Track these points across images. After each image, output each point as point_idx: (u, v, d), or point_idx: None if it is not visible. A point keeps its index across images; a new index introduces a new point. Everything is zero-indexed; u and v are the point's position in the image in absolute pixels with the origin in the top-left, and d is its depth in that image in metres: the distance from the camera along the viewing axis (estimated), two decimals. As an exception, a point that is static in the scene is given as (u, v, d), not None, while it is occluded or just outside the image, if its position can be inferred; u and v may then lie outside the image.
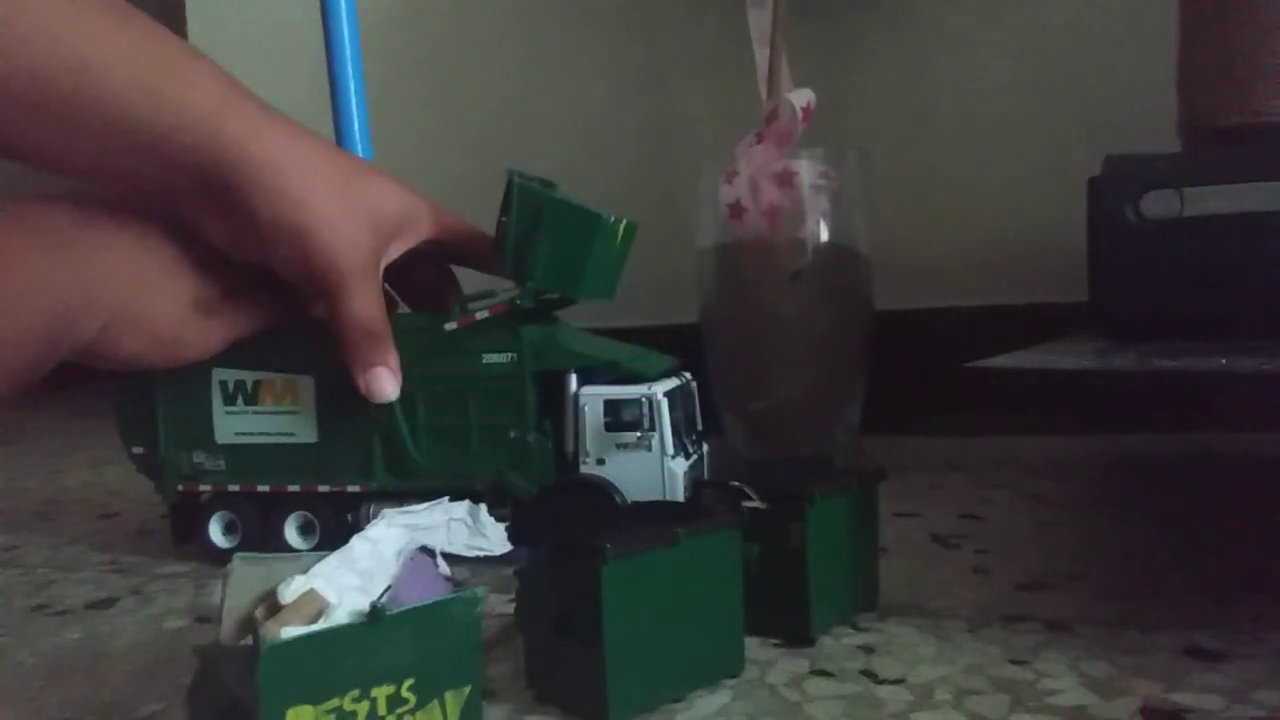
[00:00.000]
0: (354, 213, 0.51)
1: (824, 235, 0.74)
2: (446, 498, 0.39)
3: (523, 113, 1.08)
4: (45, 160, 0.48)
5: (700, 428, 0.57)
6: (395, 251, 0.54)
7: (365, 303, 0.52)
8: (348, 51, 0.77)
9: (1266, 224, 0.54)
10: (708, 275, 0.77)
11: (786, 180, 0.72)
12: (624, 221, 0.54)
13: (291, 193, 0.49)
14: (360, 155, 0.79)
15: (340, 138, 0.79)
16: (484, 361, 0.55)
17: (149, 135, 0.47)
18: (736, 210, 0.73)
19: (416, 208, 0.55)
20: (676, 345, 0.60)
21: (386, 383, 0.54)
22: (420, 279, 0.60)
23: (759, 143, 0.73)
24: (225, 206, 0.50)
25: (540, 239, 0.53)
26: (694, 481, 0.54)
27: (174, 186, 0.49)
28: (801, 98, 0.71)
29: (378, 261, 0.53)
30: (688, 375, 0.57)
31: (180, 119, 0.47)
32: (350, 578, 0.36)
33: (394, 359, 0.54)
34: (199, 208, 0.51)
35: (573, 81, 1.06)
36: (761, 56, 0.77)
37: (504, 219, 0.54)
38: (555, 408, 0.55)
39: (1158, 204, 0.56)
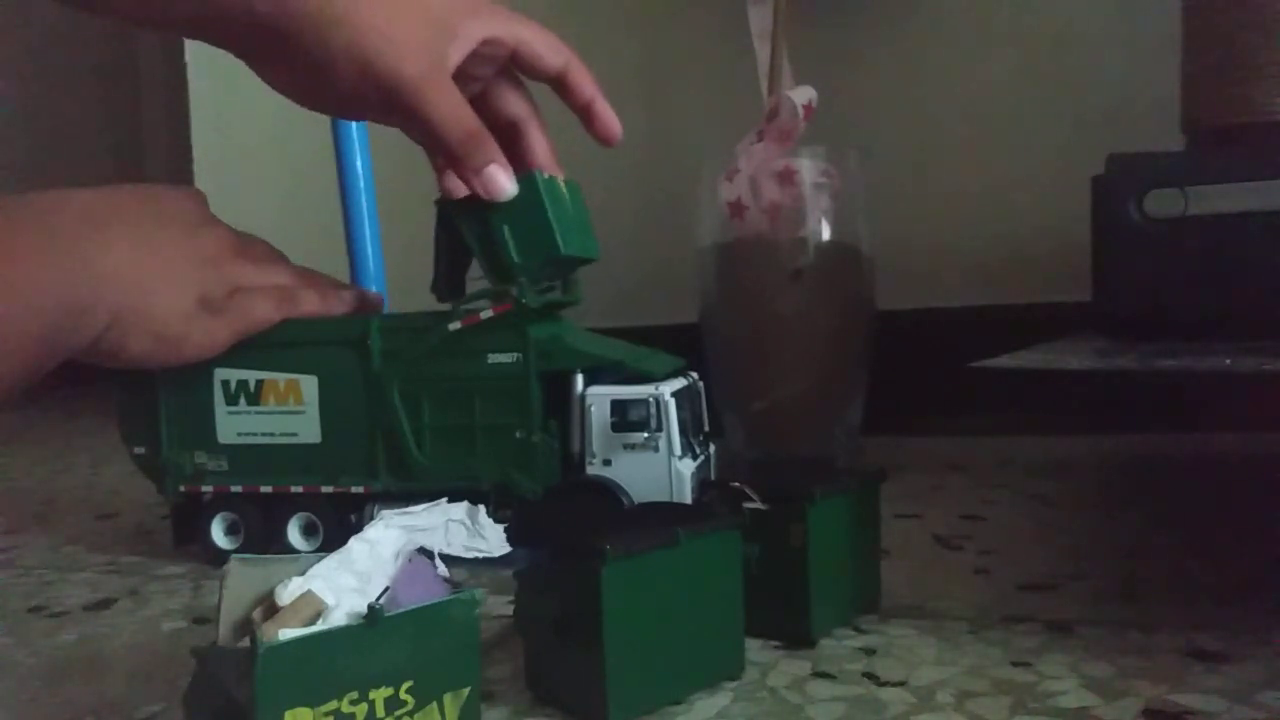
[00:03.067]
0: (402, 18, 0.49)
1: (825, 234, 0.73)
2: (445, 499, 0.39)
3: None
4: (113, 8, 0.48)
5: (707, 428, 0.57)
6: (457, 53, 0.51)
7: (448, 103, 0.50)
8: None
9: (1270, 223, 0.53)
10: (708, 274, 0.77)
11: (788, 179, 0.72)
12: (558, 178, 0.55)
13: (334, 15, 0.48)
14: (359, 156, 0.79)
15: (339, 138, 0.79)
16: (489, 361, 0.55)
17: None
18: (737, 209, 0.73)
19: (469, 4, 0.52)
20: (676, 345, 0.60)
21: (501, 181, 0.51)
22: (500, 107, 0.57)
23: (760, 141, 0.72)
24: (278, 49, 0.49)
25: (497, 226, 0.53)
26: (701, 483, 0.54)
27: (226, 33, 0.49)
28: (803, 95, 0.71)
29: (443, 62, 0.50)
30: (695, 375, 0.57)
31: None
32: (348, 579, 0.35)
33: (500, 154, 0.52)
34: (257, 55, 0.50)
35: (573, 80, 1.06)
36: (762, 54, 0.77)
37: (443, 237, 0.55)
38: (561, 408, 0.55)
39: (1161, 203, 0.55)
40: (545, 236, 0.53)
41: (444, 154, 0.51)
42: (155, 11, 0.49)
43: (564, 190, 0.56)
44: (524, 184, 0.53)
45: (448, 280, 0.56)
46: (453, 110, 0.50)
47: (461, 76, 0.52)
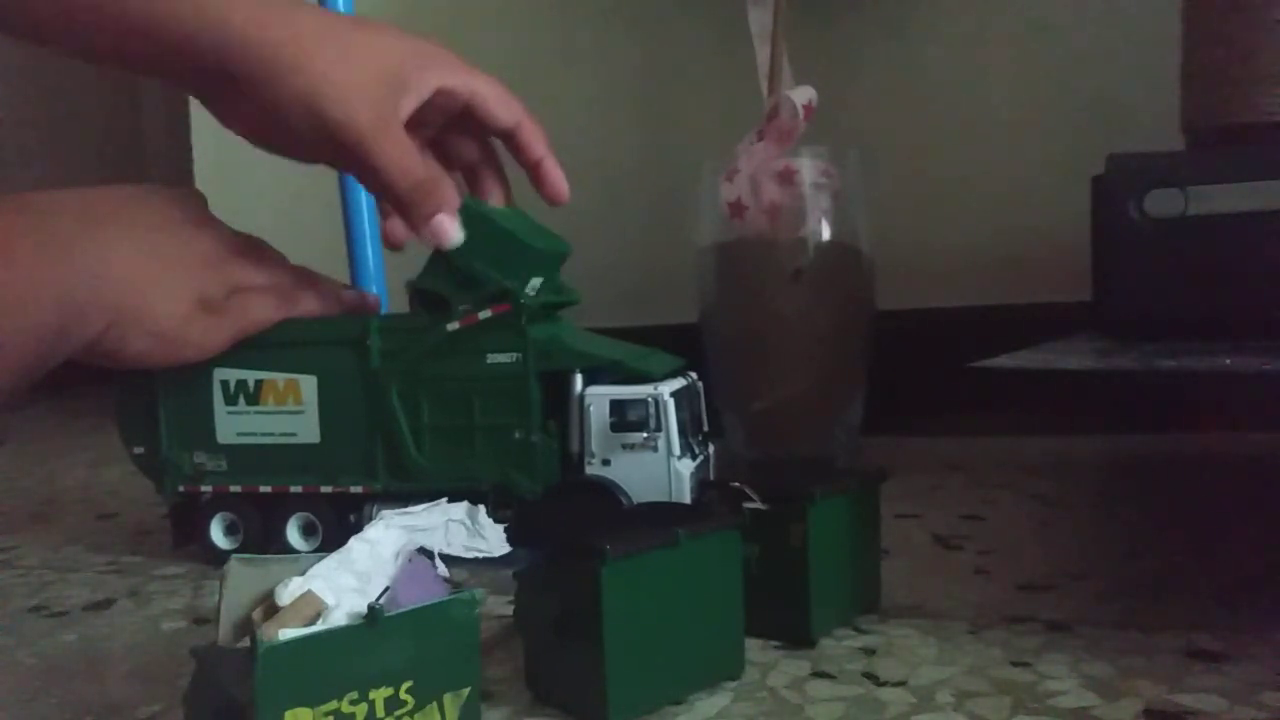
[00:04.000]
0: (359, 69, 0.49)
1: (825, 234, 0.73)
2: (445, 499, 0.39)
3: (523, 112, 1.08)
4: (41, 39, 0.48)
5: (706, 428, 0.57)
6: (410, 103, 0.52)
7: (398, 152, 0.50)
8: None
9: (1270, 223, 0.53)
10: (708, 274, 0.77)
11: (788, 178, 0.72)
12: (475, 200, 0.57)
13: (293, 64, 0.48)
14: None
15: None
16: (488, 361, 0.55)
17: (146, 24, 0.46)
18: (737, 208, 0.73)
19: (424, 56, 0.53)
20: (676, 345, 0.60)
21: (449, 227, 0.52)
22: (458, 152, 0.58)
23: (760, 140, 0.72)
24: (234, 93, 0.49)
25: (464, 265, 0.53)
26: (700, 483, 0.54)
27: (183, 74, 0.49)
28: (803, 95, 0.71)
29: (395, 111, 0.51)
30: (694, 375, 0.57)
31: (177, 10, 0.47)
32: (348, 579, 0.35)
33: (452, 201, 0.52)
34: (215, 97, 0.50)
35: (572, 81, 1.06)
36: (762, 53, 0.77)
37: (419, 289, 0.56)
38: (560, 408, 0.55)
39: (1161, 203, 0.55)
40: (508, 243, 0.54)
41: (392, 203, 0.52)
42: (108, 49, 0.49)
43: (505, 211, 0.57)
44: (460, 213, 0.53)
45: (469, 288, 0.56)
46: (401, 159, 0.50)
47: (416, 123, 0.53)
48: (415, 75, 0.52)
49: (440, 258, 0.54)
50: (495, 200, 0.58)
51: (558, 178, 0.57)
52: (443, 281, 0.55)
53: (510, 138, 0.57)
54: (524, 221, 0.57)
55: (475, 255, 0.54)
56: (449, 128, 0.57)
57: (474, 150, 0.58)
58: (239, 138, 0.53)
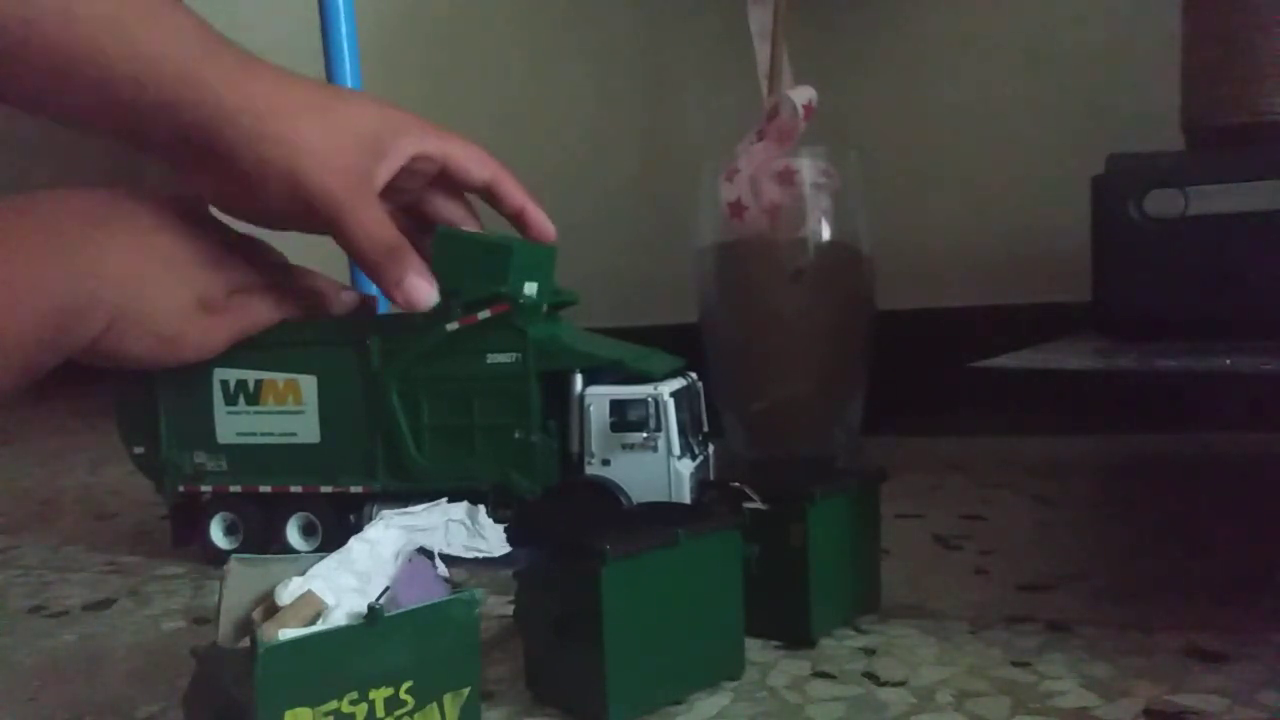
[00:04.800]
0: (334, 137, 0.51)
1: (825, 234, 0.73)
2: (445, 499, 0.39)
3: (522, 113, 1.08)
4: (32, 106, 0.49)
5: (706, 428, 0.57)
6: (385, 171, 0.53)
7: (370, 220, 0.51)
8: (346, 57, 0.77)
9: (1270, 223, 0.53)
10: (708, 275, 0.77)
11: (788, 178, 0.72)
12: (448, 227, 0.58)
13: (270, 133, 0.49)
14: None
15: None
16: (488, 361, 0.55)
17: (131, 87, 0.47)
18: (737, 209, 0.73)
19: (399, 124, 0.54)
20: (676, 345, 0.60)
21: (421, 290, 0.52)
22: (436, 211, 0.59)
23: (760, 140, 0.72)
24: (212, 160, 0.50)
25: (452, 284, 0.54)
26: (700, 483, 0.54)
27: (161, 140, 0.50)
28: (803, 95, 0.71)
29: (369, 181, 0.52)
30: (694, 375, 0.57)
31: (159, 74, 0.47)
32: (348, 579, 0.35)
33: (419, 264, 0.53)
34: (190, 164, 0.51)
35: (572, 81, 1.06)
36: (762, 53, 0.76)
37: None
38: (560, 408, 0.55)
39: (1161, 203, 0.55)
40: (492, 254, 0.54)
41: (363, 269, 0.53)
42: (93, 114, 0.50)
43: (470, 231, 0.58)
44: (438, 241, 0.54)
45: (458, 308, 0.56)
46: (372, 228, 0.51)
47: (393, 189, 0.54)
48: (391, 143, 0.53)
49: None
50: None
51: (542, 221, 0.59)
52: (439, 309, 0.54)
53: (489, 193, 0.58)
54: (504, 236, 0.57)
55: (463, 275, 0.54)
56: (428, 187, 0.58)
57: (453, 208, 0.60)
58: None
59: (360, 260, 0.52)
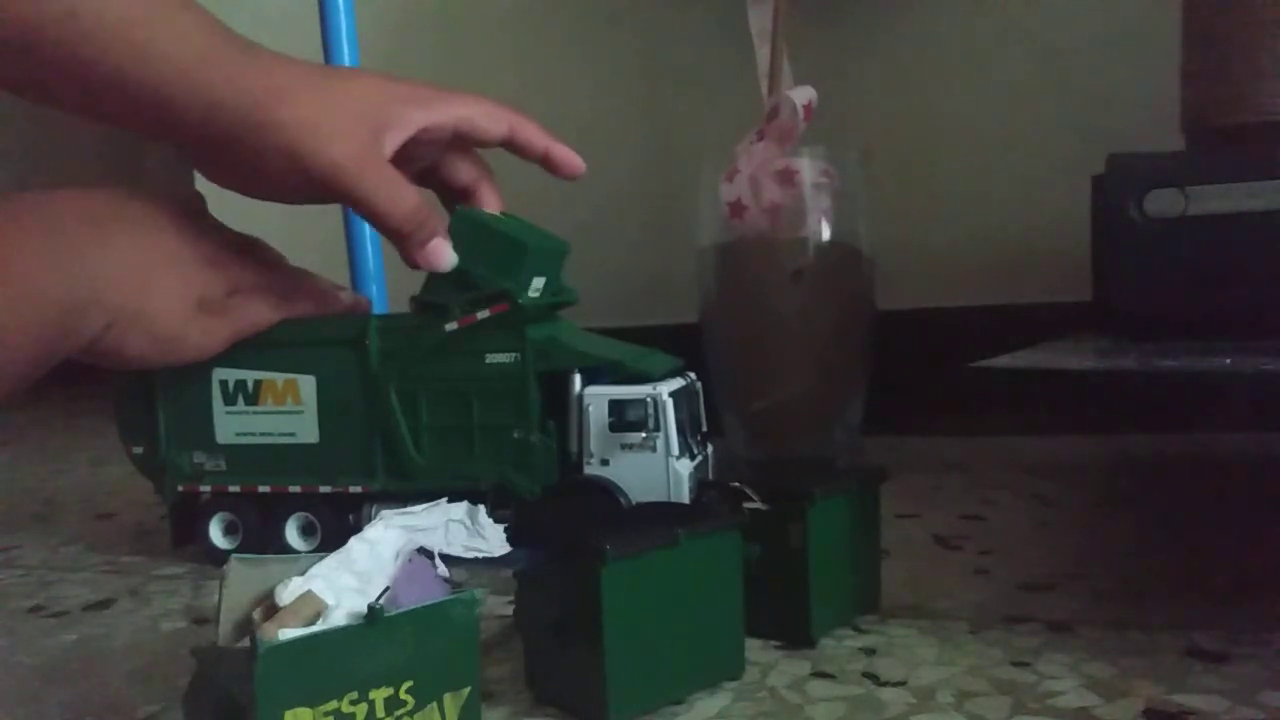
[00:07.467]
0: (333, 113, 0.51)
1: (825, 234, 0.73)
2: (445, 499, 0.39)
3: (523, 112, 1.08)
4: (39, 98, 0.49)
5: (705, 428, 0.57)
6: (393, 141, 0.53)
7: (385, 184, 0.51)
8: (346, 56, 0.77)
9: (1270, 223, 0.53)
10: (708, 275, 0.77)
11: (788, 178, 0.72)
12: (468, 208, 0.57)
13: (267, 120, 0.49)
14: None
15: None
16: (487, 361, 0.55)
17: (135, 85, 0.47)
18: (737, 209, 0.73)
19: (404, 94, 0.54)
20: (676, 345, 0.60)
21: (445, 253, 0.53)
22: (450, 175, 0.59)
23: (760, 140, 0.72)
24: (221, 149, 0.50)
25: (463, 267, 0.54)
26: (699, 483, 0.54)
27: (168, 131, 0.50)
28: (803, 95, 0.71)
29: (375, 146, 0.52)
30: (693, 375, 0.57)
31: (163, 71, 0.47)
32: (348, 579, 0.35)
33: (442, 228, 0.53)
34: (199, 152, 0.51)
35: (572, 81, 1.06)
36: (762, 53, 0.76)
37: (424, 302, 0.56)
38: (559, 408, 0.55)
39: (1161, 203, 0.55)
40: (507, 246, 0.54)
41: (385, 234, 0.53)
42: (92, 112, 0.50)
43: (500, 216, 0.57)
44: (456, 222, 0.54)
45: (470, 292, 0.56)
46: (391, 191, 0.51)
47: (405, 158, 0.54)
48: (397, 113, 0.53)
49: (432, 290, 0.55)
50: (490, 210, 0.59)
51: (568, 156, 0.58)
52: (446, 292, 0.55)
53: (509, 145, 0.57)
54: (520, 224, 0.57)
55: (476, 261, 0.54)
56: (444, 151, 0.58)
57: (468, 169, 0.59)
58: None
59: (382, 227, 0.52)
